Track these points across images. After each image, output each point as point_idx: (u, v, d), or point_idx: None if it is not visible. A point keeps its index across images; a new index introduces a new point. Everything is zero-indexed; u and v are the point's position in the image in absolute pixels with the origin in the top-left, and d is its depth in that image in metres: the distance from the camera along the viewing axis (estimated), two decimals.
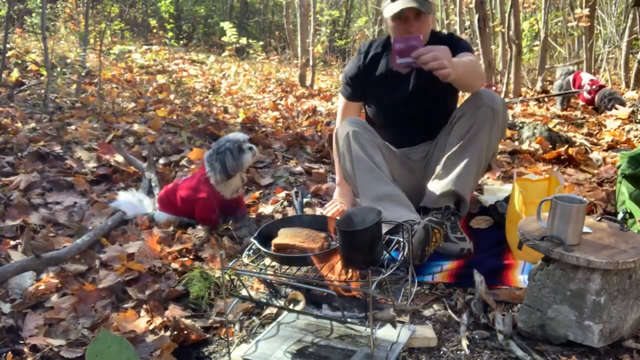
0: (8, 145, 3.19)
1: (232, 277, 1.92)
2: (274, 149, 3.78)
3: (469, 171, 2.07)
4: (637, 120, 4.50)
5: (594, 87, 5.06)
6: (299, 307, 1.41)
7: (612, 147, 3.73)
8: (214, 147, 2.35)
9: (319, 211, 2.64)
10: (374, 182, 2.10)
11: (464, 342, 1.52)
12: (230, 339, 1.59)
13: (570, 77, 5.34)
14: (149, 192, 2.81)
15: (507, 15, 6.07)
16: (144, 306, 1.75)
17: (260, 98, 6.28)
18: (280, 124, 4.73)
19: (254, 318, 1.73)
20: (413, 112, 2.29)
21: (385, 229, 1.77)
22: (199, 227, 2.41)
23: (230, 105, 5.47)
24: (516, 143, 3.80)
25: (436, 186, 2.11)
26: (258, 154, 2.52)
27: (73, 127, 3.77)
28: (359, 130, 2.19)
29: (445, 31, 7.98)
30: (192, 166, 3.24)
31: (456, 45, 2.17)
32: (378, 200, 2.05)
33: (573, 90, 5.27)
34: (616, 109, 4.75)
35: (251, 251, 1.52)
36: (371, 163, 2.13)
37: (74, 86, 4.96)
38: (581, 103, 5.34)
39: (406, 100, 2.30)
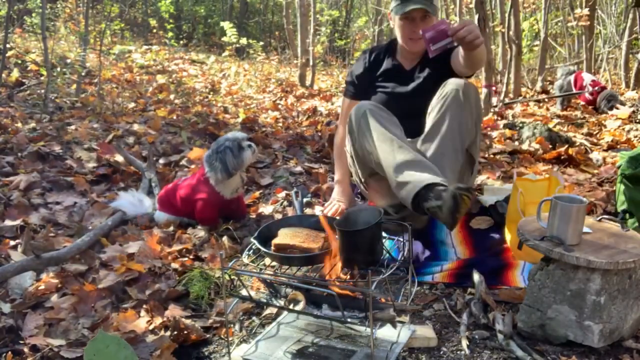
0: (8, 145, 3.19)
1: (232, 277, 1.93)
2: (274, 149, 3.78)
3: (441, 152, 2.09)
4: (637, 120, 4.50)
5: (596, 88, 5.06)
6: (299, 307, 1.41)
7: (612, 147, 3.73)
8: (213, 146, 2.35)
9: (318, 211, 2.64)
10: (396, 151, 2.03)
11: (464, 342, 1.52)
12: (230, 339, 1.59)
13: (572, 77, 5.34)
14: (149, 192, 2.81)
15: (507, 15, 6.07)
16: (144, 306, 1.75)
17: (260, 98, 6.28)
18: (280, 124, 4.73)
19: (254, 318, 1.73)
20: (416, 105, 2.29)
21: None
22: (199, 227, 2.41)
23: (230, 105, 5.47)
24: (516, 143, 3.80)
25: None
26: (257, 152, 2.52)
27: (73, 127, 3.77)
28: (375, 108, 2.19)
29: None
30: (192, 166, 3.23)
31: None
32: (402, 168, 1.97)
33: (575, 91, 5.27)
34: (617, 108, 4.75)
35: (251, 251, 1.52)
36: (390, 134, 2.09)
37: (74, 86, 4.96)
38: (582, 103, 5.34)
39: (409, 93, 2.37)
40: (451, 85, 2.14)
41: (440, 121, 2.12)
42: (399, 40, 2.38)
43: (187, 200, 2.39)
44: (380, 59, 2.47)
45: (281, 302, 1.47)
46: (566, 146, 3.52)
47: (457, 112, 2.09)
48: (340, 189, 2.56)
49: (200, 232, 2.36)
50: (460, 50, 2.12)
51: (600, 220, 1.67)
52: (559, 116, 4.94)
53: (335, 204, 2.51)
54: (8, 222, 2.33)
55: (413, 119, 2.31)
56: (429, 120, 2.19)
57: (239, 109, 5.15)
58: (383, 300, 1.45)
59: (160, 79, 6.34)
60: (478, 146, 2.35)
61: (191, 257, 2.14)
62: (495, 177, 3.05)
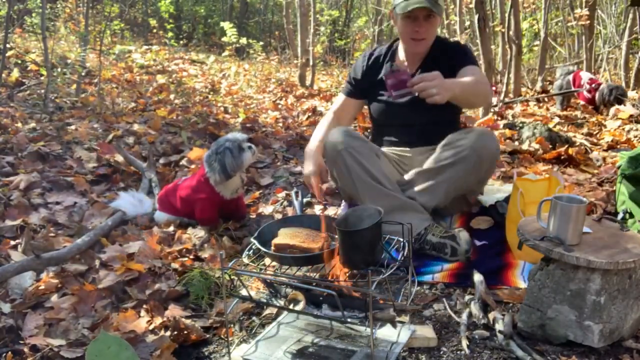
0: (8, 145, 3.19)
1: (232, 277, 1.93)
2: (274, 149, 3.78)
3: (432, 192, 2.12)
4: (637, 120, 4.50)
5: (593, 85, 5.05)
6: (299, 307, 1.41)
7: (612, 147, 3.73)
8: (213, 147, 2.35)
9: (318, 211, 2.64)
10: (382, 198, 2.06)
11: (464, 342, 1.52)
12: (230, 339, 1.59)
13: (570, 77, 5.34)
14: (149, 192, 2.81)
15: (507, 15, 6.07)
16: (144, 306, 1.75)
17: (260, 98, 6.28)
18: (280, 124, 4.73)
19: (254, 318, 1.73)
20: (415, 115, 2.27)
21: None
22: (199, 227, 2.41)
23: (230, 105, 5.47)
24: (516, 143, 3.80)
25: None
26: (257, 153, 2.52)
27: (73, 127, 3.77)
28: (350, 143, 2.13)
29: (445, 32, 7.98)
30: (192, 166, 3.23)
31: (461, 57, 2.18)
32: (389, 212, 1.99)
33: (573, 89, 5.27)
34: (620, 98, 4.74)
35: (251, 251, 1.52)
36: (373, 182, 2.09)
37: (74, 86, 4.96)
38: (581, 103, 5.34)
39: (409, 103, 2.24)
40: (471, 140, 2.06)
41: (443, 170, 2.09)
42: (401, 40, 2.30)
43: (187, 201, 2.39)
44: (380, 62, 2.38)
45: (281, 302, 1.47)
46: (566, 146, 3.52)
47: (464, 173, 2.08)
48: (311, 156, 2.29)
49: (200, 232, 2.36)
50: None
51: (600, 220, 1.67)
52: (559, 116, 4.94)
53: (306, 179, 2.26)
54: (8, 222, 2.33)
55: (412, 127, 2.31)
56: (436, 156, 2.13)
57: (239, 109, 5.15)
58: (383, 300, 1.45)
59: (160, 79, 6.34)
60: (477, 193, 2.37)
61: (191, 257, 2.14)
62: (495, 177, 3.05)
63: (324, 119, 2.47)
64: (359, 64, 2.44)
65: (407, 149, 2.36)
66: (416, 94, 1.80)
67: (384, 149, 2.40)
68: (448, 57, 2.21)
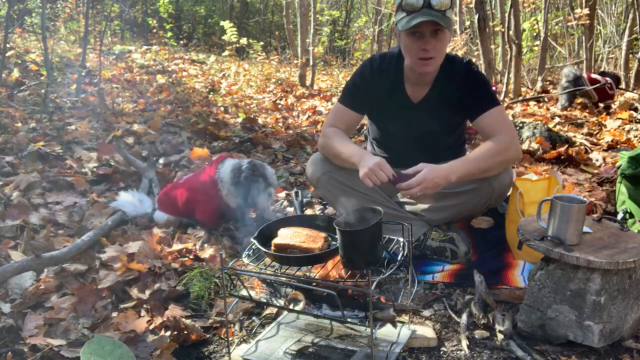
0: (8, 145, 3.19)
1: (232, 277, 1.92)
2: (274, 149, 3.78)
3: (440, 210, 2.11)
4: (637, 120, 4.50)
5: (607, 79, 5.16)
6: (299, 307, 1.41)
7: (612, 147, 3.73)
8: (247, 169, 2.30)
9: (318, 211, 2.64)
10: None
11: (464, 342, 1.52)
12: (230, 339, 1.59)
13: (581, 74, 5.36)
14: (149, 192, 2.81)
15: (507, 15, 6.07)
16: (144, 306, 1.75)
17: (260, 98, 6.28)
18: (280, 124, 4.73)
19: (254, 318, 1.73)
20: (417, 138, 2.16)
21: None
22: (199, 227, 2.41)
23: (230, 105, 5.47)
24: None
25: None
26: (273, 195, 2.49)
27: (73, 127, 3.77)
28: (327, 168, 2.11)
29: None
30: (192, 166, 3.23)
31: (478, 95, 1.99)
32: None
33: (586, 87, 5.30)
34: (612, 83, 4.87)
35: (251, 251, 1.52)
36: (356, 196, 2.06)
37: (74, 86, 4.96)
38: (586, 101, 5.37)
39: (416, 136, 2.15)
40: (492, 179, 2.01)
41: (455, 196, 2.05)
42: (406, 60, 2.00)
43: (188, 201, 2.39)
44: (385, 75, 2.09)
45: (281, 302, 1.47)
46: (566, 146, 3.52)
47: (476, 201, 2.07)
48: (364, 157, 1.91)
49: (200, 232, 2.36)
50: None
51: (600, 220, 1.67)
52: (559, 116, 4.94)
53: (376, 167, 1.81)
54: (8, 222, 2.33)
55: (410, 150, 2.11)
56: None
57: (239, 109, 5.15)
58: (383, 299, 1.45)
59: (160, 79, 6.34)
60: (477, 216, 2.35)
61: (191, 257, 2.14)
62: None
63: (332, 133, 2.10)
64: (360, 74, 2.14)
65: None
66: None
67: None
68: (459, 83, 2.01)
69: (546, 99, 5.98)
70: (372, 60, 2.14)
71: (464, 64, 2.04)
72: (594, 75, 5.33)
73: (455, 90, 2.00)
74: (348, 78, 2.27)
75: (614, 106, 5.15)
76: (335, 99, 6.43)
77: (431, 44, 1.87)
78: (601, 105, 5.20)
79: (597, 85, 5.13)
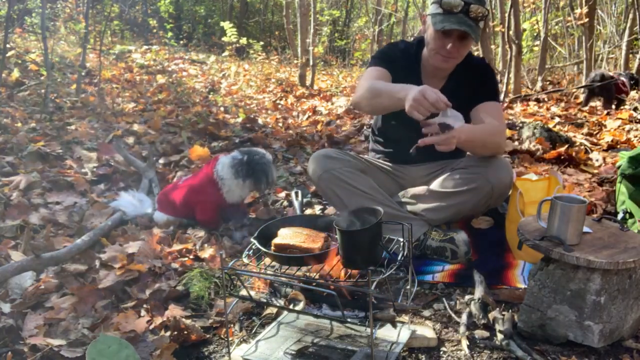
0: (8, 145, 3.19)
1: (232, 277, 1.92)
2: (274, 149, 3.78)
3: (440, 210, 2.09)
4: (637, 120, 4.50)
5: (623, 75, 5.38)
6: (299, 307, 1.41)
7: (612, 147, 3.73)
8: (247, 157, 2.34)
9: (318, 211, 2.64)
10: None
11: (464, 342, 1.52)
12: (230, 339, 1.59)
13: (605, 73, 5.43)
14: (149, 192, 2.81)
15: (507, 15, 6.07)
16: (144, 306, 1.75)
17: (260, 98, 6.28)
18: (280, 124, 4.73)
19: (254, 318, 1.74)
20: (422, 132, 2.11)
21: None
22: (199, 227, 2.41)
23: (230, 105, 5.47)
24: (516, 143, 3.80)
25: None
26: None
27: (73, 127, 3.77)
28: (328, 165, 2.10)
29: None
30: (192, 166, 3.23)
31: (485, 86, 2.07)
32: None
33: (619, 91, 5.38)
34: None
35: (251, 251, 1.52)
36: (359, 195, 2.06)
37: (74, 86, 4.96)
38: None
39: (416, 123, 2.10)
40: (488, 171, 2.01)
41: (455, 195, 2.05)
42: (427, 49, 2.04)
43: (189, 202, 2.39)
44: (406, 62, 2.12)
45: (281, 302, 1.47)
46: (566, 146, 3.52)
47: (476, 201, 2.06)
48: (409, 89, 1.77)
49: (200, 232, 2.36)
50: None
51: (600, 220, 1.67)
52: (559, 116, 4.94)
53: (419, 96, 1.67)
54: (8, 222, 2.33)
55: (413, 144, 2.04)
56: (448, 179, 2.07)
57: (239, 109, 5.15)
58: (386, 299, 1.45)
59: (160, 79, 6.34)
60: (477, 216, 2.34)
61: (191, 257, 2.14)
62: None
63: (370, 83, 1.99)
64: (393, 50, 2.16)
65: (407, 165, 2.28)
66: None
67: (380, 161, 2.32)
68: (472, 77, 2.07)
69: (546, 99, 5.98)
70: (398, 43, 2.23)
71: (480, 58, 2.18)
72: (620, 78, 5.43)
73: (470, 83, 2.06)
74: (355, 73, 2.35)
75: (627, 104, 5.23)
76: (335, 99, 6.43)
77: (456, 47, 1.93)
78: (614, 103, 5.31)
79: (606, 82, 5.21)
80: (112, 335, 0.98)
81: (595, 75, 5.47)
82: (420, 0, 11.25)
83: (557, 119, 4.77)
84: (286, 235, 1.49)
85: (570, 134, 4.05)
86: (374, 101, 1.96)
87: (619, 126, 4.33)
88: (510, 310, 1.68)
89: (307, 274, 1.46)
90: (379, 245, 1.39)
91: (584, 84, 5.67)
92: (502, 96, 5.70)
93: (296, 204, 2.36)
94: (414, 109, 1.68)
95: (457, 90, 2.02)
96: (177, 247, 2.20)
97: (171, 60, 8.41)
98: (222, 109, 5.18)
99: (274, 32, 14.75)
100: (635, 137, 4.00)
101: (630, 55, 6.95)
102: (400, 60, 2.12)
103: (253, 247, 1.51)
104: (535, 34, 8.90)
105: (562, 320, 1.48)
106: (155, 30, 10.80)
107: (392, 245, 1.52)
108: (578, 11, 6.35)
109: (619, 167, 2.27)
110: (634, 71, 6.43)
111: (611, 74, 5.45)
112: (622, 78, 5.33)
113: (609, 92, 5.29)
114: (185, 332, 1.58)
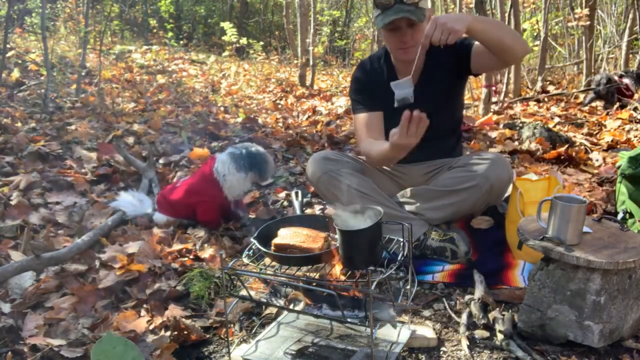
0: (8, 145, 3.19)
1: (232, 277, 1.92)
2: (274, 149, 3.78)
3: (439, 209, 2.11)
4: (637, 120, 4.50)
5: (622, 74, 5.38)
6: (299, 307, 1.41)
7: (612, 147, 3.73)
8: (245, 150, 2.37)
9: (318, 211, 2.64)
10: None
11: (464, 342, 1.52)
12: (230, 339, 1.59)
13: (612, 76, 5.45)
14: (149, 192, 2.81)
15: (507, 15, 6.07)
16: (144, 306, 1.75)
17: (260, 98, 6.28)
18: (280, 124, 4.73)
19: (254, 318, 1.74)
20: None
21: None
22: (199, 227, 2.40)
23: (230, 105, 5.47)
24: (516, 143, 3.80)
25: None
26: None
27: (73, 127, 3.77)
28: (326, 167, 2.12)
29: None
30: (192, 166, 3.23)
31: (465, 40, 2.06)
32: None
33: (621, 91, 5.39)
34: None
35: (251, 251, 1.52)
36: (357, 195, 2.07)
37: (74, 86, 4.96)
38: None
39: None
40: (486, 169, 2.03)
41: (454, 194, 2.07)
42: (389, 52, 2.13)
43: (188, 203, 2.39)
44: (378, 78, 2.16)
45: (281, 302, 1.47)
46: (566, 146, 3.52)
47: (475, 199, 2.07)
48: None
49: (200, 232, 2.36)
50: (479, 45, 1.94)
51: (600, 220, 1.67)
52: (559, 116, 4.94)
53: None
54: (8, 222, 2.33)
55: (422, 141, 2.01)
56: (447, 177, 2.09)
57: (239, 109, 5.15)
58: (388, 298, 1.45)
59: (160, 79, 6.34)
60: (476, 216, 2.34)
61: (191, 257, 2.14)
62: None
63: (367, 147, 2.11)
64: (353, 84, 2.25)
65: (405, 164, 2.28)
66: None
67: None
68: (444, 47, 1.96)
69: (546, 99, 5.98)
70: (362, 65, 2.27)
71: None
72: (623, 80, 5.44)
73: (446, 50, 1.93)
74: (348, 85, 2.32)
75: (634, 104, 5.23)
76: (335, 99, 6.43)
77: (408, 35, 1.96)
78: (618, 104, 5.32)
79: (610, 85, 5.22)
80: (118, 335, 0.97)
81: (601, 77, 5.47)
82: None
83: (557, 119, 4.76)
84: (286, 235, 1.49)
85: (570, 134, 4.05)
86: (379, 163, 2.17)
87: (619, 126, 4.33)
88: (510, 310, 1.68)
89: (307, 274, 1.46)
90: (379, 245, 1.39)
91: (590, 86, 5.65)
92: (502, 96, 5.69)
93: (296, 204, 2.35)
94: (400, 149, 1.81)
95: (439, 64, 2.09)
96: (177, 247, 2.20)
97: (171, 60, 8.42)
98: (222, 109, 5.18)
99: (274, 32, 14.74)
100: (635, 137, 4.00)
101: (630, 55, 6.95)
102: (373, 77, 2.19)
103: (253, 247, 1.51)
104: (535, 34, 8.88)
105: (562, 320, 1.48)
106: (155, 30, 10.81)
107: (392, 245, 1.52)
108: (578, 11, 6.35)
109: (619, 167, 2.27)
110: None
111: (615, 78, 5.45)
112: (625, 80, 5.31)
113: (612, 96, 5.30)
114: (185, 332, 1.58)
